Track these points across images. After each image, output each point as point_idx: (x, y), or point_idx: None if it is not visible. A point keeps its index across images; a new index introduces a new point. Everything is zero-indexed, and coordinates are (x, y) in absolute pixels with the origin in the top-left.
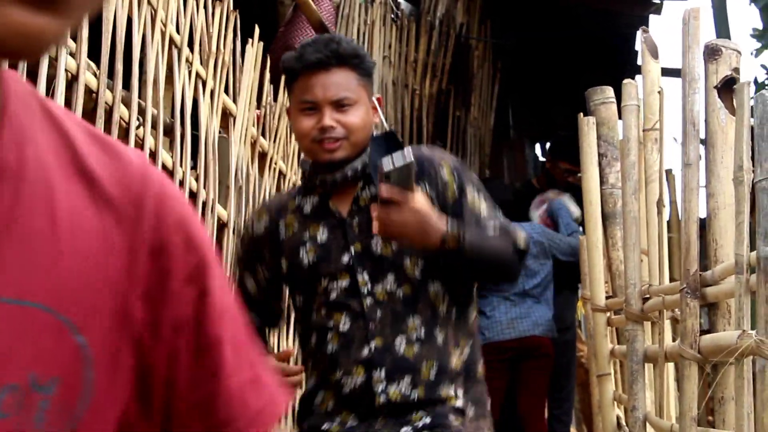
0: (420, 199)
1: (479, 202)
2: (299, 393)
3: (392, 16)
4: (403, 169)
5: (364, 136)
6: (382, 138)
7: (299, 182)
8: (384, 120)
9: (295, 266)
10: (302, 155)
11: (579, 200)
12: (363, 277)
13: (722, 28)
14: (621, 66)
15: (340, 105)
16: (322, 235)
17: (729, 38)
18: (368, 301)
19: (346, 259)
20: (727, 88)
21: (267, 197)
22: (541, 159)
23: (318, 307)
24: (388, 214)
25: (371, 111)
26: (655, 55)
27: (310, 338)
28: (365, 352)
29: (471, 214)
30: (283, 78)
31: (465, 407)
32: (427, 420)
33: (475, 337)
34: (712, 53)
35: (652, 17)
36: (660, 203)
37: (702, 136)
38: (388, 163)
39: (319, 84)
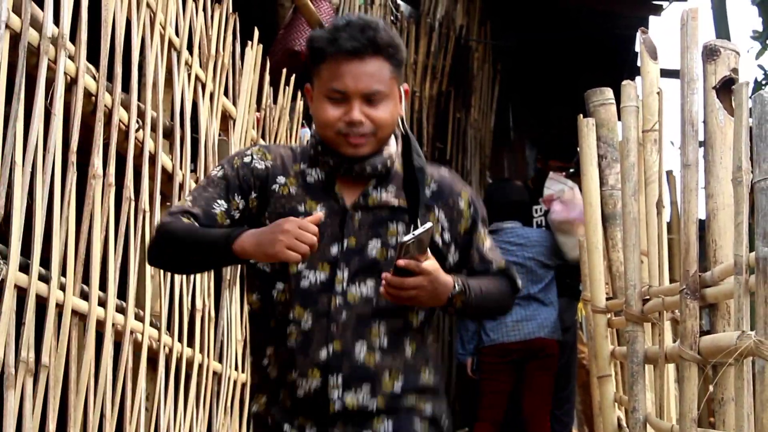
0: (431, 262)
1: (485, 240)
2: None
3: (392, 17)
4: (421, 236)
5: (390, 132)
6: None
7: (304, 147)
8: (403, 117)
9: None
10: (314, 127)
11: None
12: (342, 274)
13: (722, 28)
14: (620, 67)
15: (370, 98)
16: (318, 213)
17: (728, 39)
18: (338, 300)
19: (334, 250)
20: (726, 88)
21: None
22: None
23: (284, 289)
24: (402, 283)
25: (399, 104)
26: (654, 56)
27: (269, 321)
28: (323, 354)
29: (476, 250)
30: (308, 56)
31: (438, 418)
32: (389, 426)
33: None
34: (710, 54)
35: (651, 18)
36: (660, 204)
37: (701, 136)
38: (405, 236)
39: (351, 73)
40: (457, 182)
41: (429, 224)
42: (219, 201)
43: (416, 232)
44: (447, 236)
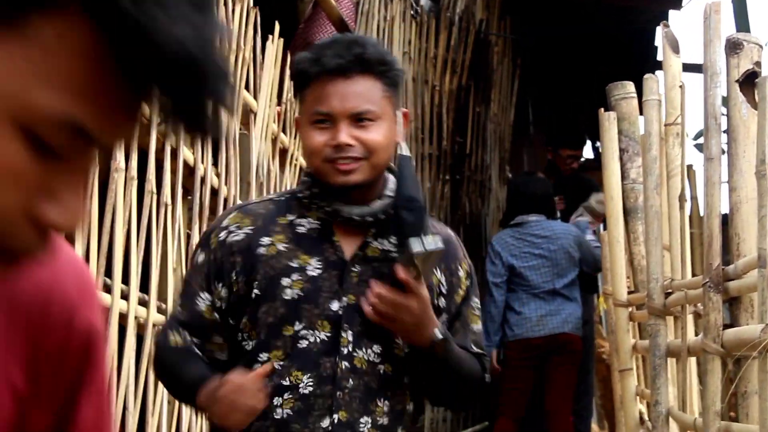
0: (425, 290)
1: (474, 318)
2: None
3: (412, 12)
4: (431, 255)
5: (386, 157)
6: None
7: (294, 192)
8: (403, 143)
9: (270, 297)
10: (305, 167)
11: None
12: (347, 336)
13: (742, 22)
14: (640, 61)
15: (359, 119)
16: (314, 269)
17: (749, 32)
18: (344, 364)
19: (335, 306)
20: (749, 82)
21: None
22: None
23: (277, 357)
24: (393, 300)
25: (395, 128)
26: (675, 49)
27: None
28: (326, 423)
29: (463, 325)
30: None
31: None
32: None
33: None
34: (733, 47)
35: (671, 12)
36: (682, 198)
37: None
38: (417, 245)
39: (337, 93)
40: (460, 248)
41: (442, 246)
42: (202, 295)
43: (429, 247)
44: (442, 302)
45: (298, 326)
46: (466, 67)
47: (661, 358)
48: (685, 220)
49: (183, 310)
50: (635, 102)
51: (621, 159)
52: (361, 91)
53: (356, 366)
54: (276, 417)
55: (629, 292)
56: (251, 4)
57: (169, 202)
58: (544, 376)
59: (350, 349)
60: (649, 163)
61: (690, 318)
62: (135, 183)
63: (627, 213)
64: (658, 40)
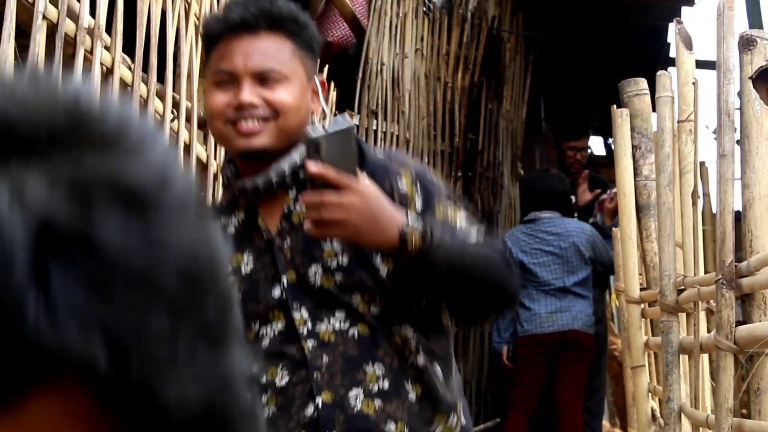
0: (366, 182)
1: (453, 213)
2: None
3: (424, 9)
4: (339, 137)
5: (297, 123)
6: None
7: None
8: (327, 108)
9: None
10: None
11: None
12: (301, 315)
13: (755, 18)
14: (652, 58)
15: (265, 78)
16: (246, 264)
17: (762, 29)
18: (310, 343)
19: (277, 292)
20: (763, 78)
21: None
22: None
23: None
24: (322, 201)
25: (310, 94)
26: (689, 46)
27: None
28: (310, 410)
29: (445, 226)
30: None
31: None
32: None
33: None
34: (746, 44)
35: (683, 9)
36: (695, 194)
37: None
38: (317, 129)
39: (241, 50)
40: (394, 159)
41: (350, 123)
42: None
43: (330, 128)
44: None
45: (255, 326)
46: (479, 63)
47: (673, 355)
48: (698, 217)
49: None
50: (648, 99)
51: (633, 156)
52: (268, 49)
53: (324, 341)
54: (265, 418)
55: (641, 289)
56: None
57: None
58: (554, 373)
59: (310, 327)
60: (662, 160)
61: (702, 315)
62: None
63: (639, 210)
64: (670, 37)
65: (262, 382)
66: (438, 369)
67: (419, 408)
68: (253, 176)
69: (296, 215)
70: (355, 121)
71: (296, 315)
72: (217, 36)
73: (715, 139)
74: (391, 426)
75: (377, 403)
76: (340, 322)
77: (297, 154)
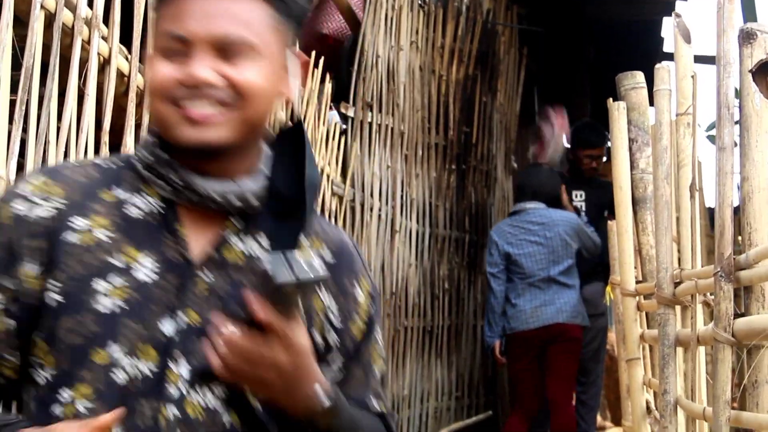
0: (302, 334)
1: (377, 354)
2: None
3: (419, 2)
4: (305, 286)
5: (264, 111)
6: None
7: (130, 157)
8: (297, 98)
9: (77, 307)
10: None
11: (607, 190)
12: (179, 370)
13: (749, 13)
14: (647, 52)
15: (228, 50)
16: (145, 268)
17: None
18: (170, 412)
19: (168, 328)
20: (762, 71)
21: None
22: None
23: (85, 396)
24: (254, 349)
25: (284, 75)
26: (687, 39)
27: None
28: None
29: (364, 369)
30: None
31: None
32: None
33: None
34: (747, 37)
35: (678, 3)
36: (693, 187)
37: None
38: (283, 272)
39: (198, 10)
40: (358, 259)
41: (321, 272)
42: None
43: (302, 275)
44: (333, 338)
45: (114, 351)
46: (473, 57)
47: (670, 348)
48: (695, 210)
49: None
50: (645, 92)
51: (630, 149)
52: (236, 11)
53: (188, 415)
54: None
55: (637, 282)
56: None
57: None
58: (544, 365)
59: (182, 390)
60: (660, 153)
61: (699, 308)
62: None
63: (635, 203)
64: (665, 32)
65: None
66: None
67: None
68: (199, 175)
69: (231, 250)
70: (350, 113)
71: (173, 367)
72: None
73: (708, 137)
74: None
75: None
76: (216, 400)
77: (262, 174)
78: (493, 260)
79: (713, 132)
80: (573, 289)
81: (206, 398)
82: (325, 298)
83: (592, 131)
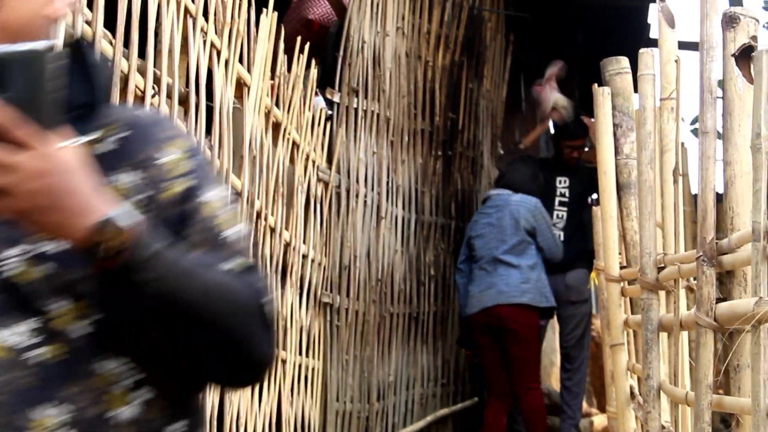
0: (61, 145)
1: (217, 214)
2: None
3: None
4: (28, 62)
5: (23, 20)
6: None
7: None
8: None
9: None
10: None
11: (591, 176)
12: None
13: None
14: (635, 38)
15: None
16: None
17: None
18: None
19: None
20: (745, 56)
21: (280, 167)
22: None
23: None
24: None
25: None
26: (671, 24)
27: None
28: None
29: (204, 229)
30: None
31: None
32: None
33: None
34: (730, 21)
35: None
36: (676, 172)
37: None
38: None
39: None
40: (162, 127)
41: (45, 45)
42: None
43: (15, 49)
44: (153, 214)
45: None
46: (460, 43)
47: (653, 332)
48: (678, 195)
49: None
50: (629, 77)
51: (615, 134)
52: None
53: None
54: None
55: (621, 268)
56: None
57: None
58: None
59: None
60: (644, 138)
61: (682, 293)
62: None
63: (620, 188)
64: (651, 18)
65: None
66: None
67: None
68: None
69: None
70: (336, 98)
71: None
72: None
73: (692, 131)
74: None
75: None
76: (25, 334)
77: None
78: (461, 252)
79: (698, 126)
80: (518, 269)
81: (8, 336)
82: (125, 177)
83: (574, 122)
